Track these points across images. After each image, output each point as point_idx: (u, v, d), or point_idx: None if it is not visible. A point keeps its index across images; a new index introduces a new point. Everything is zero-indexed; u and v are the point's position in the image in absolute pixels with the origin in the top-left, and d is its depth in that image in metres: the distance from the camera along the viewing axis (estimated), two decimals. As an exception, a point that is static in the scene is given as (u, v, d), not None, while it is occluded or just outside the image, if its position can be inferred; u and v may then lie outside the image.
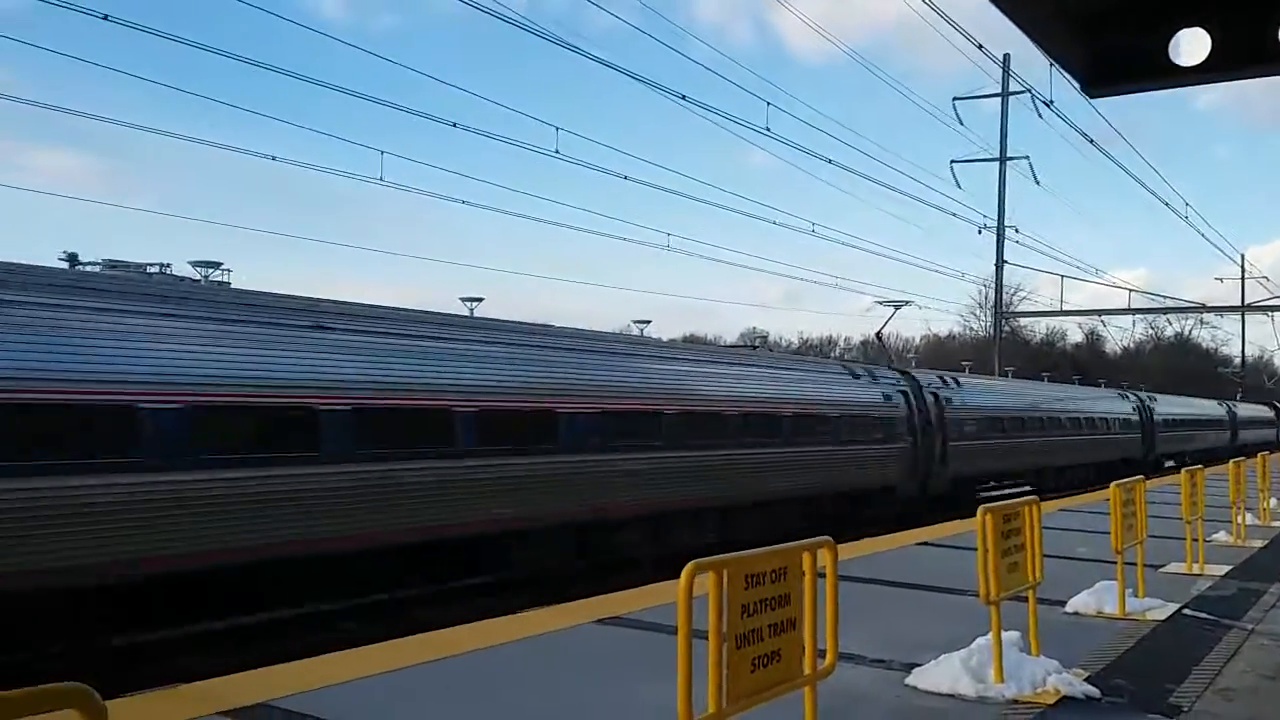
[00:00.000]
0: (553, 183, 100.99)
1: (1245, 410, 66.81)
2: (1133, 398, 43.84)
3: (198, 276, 17.08)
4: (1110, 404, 42.46)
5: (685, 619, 3.56)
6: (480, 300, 24.48)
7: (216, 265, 17.40)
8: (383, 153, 39.42)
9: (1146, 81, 5.07)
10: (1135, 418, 41.73)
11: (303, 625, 11.33)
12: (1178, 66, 4.88)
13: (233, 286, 16.68)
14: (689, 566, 3.57)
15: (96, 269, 16.20)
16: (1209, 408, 57.85)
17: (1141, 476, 9.85)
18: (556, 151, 26.25)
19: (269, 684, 6.28)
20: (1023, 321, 75.40)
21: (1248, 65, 4.74)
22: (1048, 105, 30.49)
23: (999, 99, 44.09)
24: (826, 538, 4.41)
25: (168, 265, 18.38)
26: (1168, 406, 47.65)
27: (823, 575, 4.35)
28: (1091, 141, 33.82)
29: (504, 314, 19.47)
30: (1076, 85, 5.66)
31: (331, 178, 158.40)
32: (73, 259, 16.59)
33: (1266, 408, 75.13)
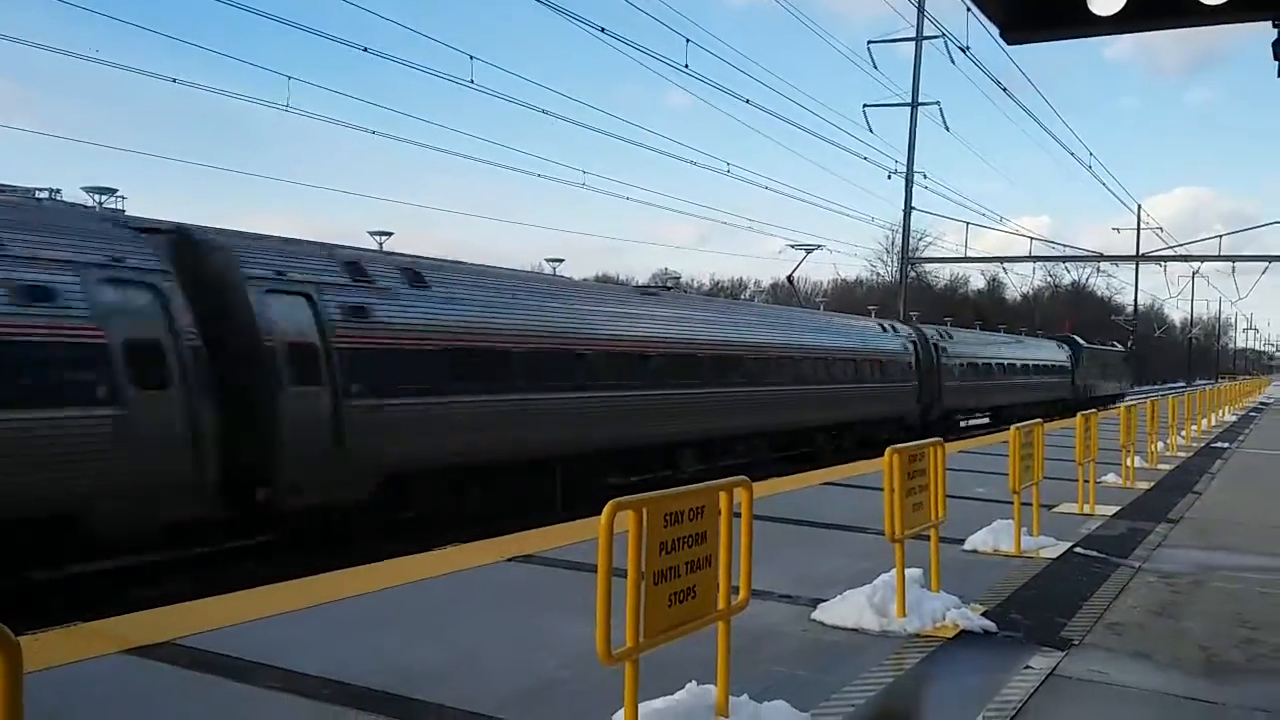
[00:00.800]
0: (467, 114, 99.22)
1: (975, 347, 38.41)
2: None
3: (91, 203, 16.41)
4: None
5: (605, 556, 3.58)
6: (389, 235, 24.07)
7: (111, 191, 16.74)
8: (290, 78, 38.27)
9: (1064, 29, 5.15)
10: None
11: (210, 562, 11.13)
12: (1095, 16, 4.97)
13: (127, 214, 16.05)
14: (610, 505, 3.58)
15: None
16: (842, 334, 28.77)
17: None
18: (471, 81, 25.79)
19: (175, 622, 6.17)
20: (927, 267, 77.02)
21: (1163, 16, 4.85)
22: (963, 51, 30.84)
23: (913, 44, 44.48)
24: (743, 477, 4.46)
25: (58, 191, 17.62)
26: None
27: (737, 514, 4.41)
28: (1004, 89, 34.40)
29: (413, 249, 19.04)
30: (996, 32, 5.73)
31: (237, 103, 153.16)
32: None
33: (1055, 346, 50.31)
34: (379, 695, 5.00)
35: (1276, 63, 4.65)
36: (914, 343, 32.84)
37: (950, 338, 36.41)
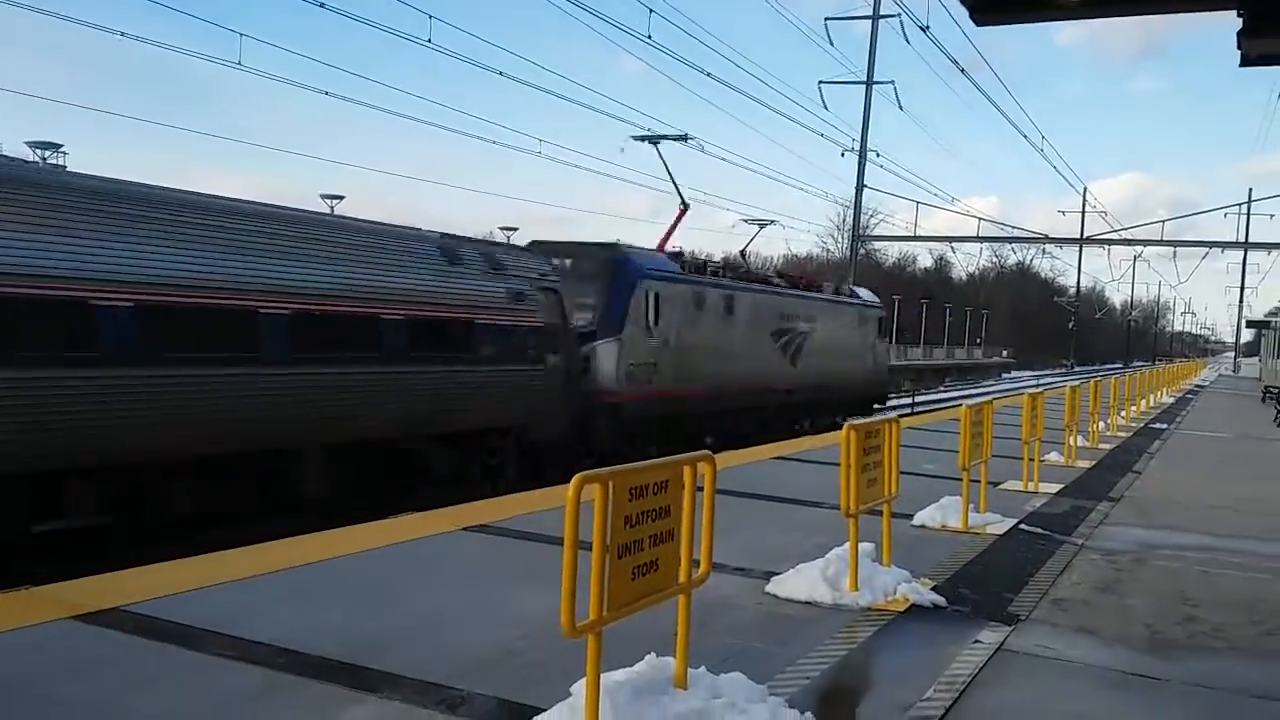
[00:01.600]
0: (423, 76, 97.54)
1: None
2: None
3: (34, 158, 15.97)
4: None
5: (572, 529, 3.57)
6: (341, 198, 23.73)
7: (56, 147, 16.30)
8: (241, 35, 37.40)
9: (1033, 13, 5.18)
10: None
11: (158, 530, 10.94)
12: (1063, 1, 5.01)
13: (69, 170, 15.67)
14: (577, 478, 3.57)
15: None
16: None
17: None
18: (429, 41, 25.46)
19: (123, 588, 6.07)
20: (876, 245, 77.70)
21: (1131, 2, 4.90)
22: (923, 30, 30.96)
23: (870, 22, 44.52)
24: (707, 452, 4.47)
25: (-2, 144, 17.15)
26: None
27: (700, 489, 4.42)
28: (962, 70, 34.64)
29: (366, 215, 18.74)
30: (962, 13, 5.75)
31: (187, 59, 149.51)
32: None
33: (479, 266, 14.70)
34: (333, 664, 4.97)
35: (1239, 51, 4.72)
36: None
37: None
